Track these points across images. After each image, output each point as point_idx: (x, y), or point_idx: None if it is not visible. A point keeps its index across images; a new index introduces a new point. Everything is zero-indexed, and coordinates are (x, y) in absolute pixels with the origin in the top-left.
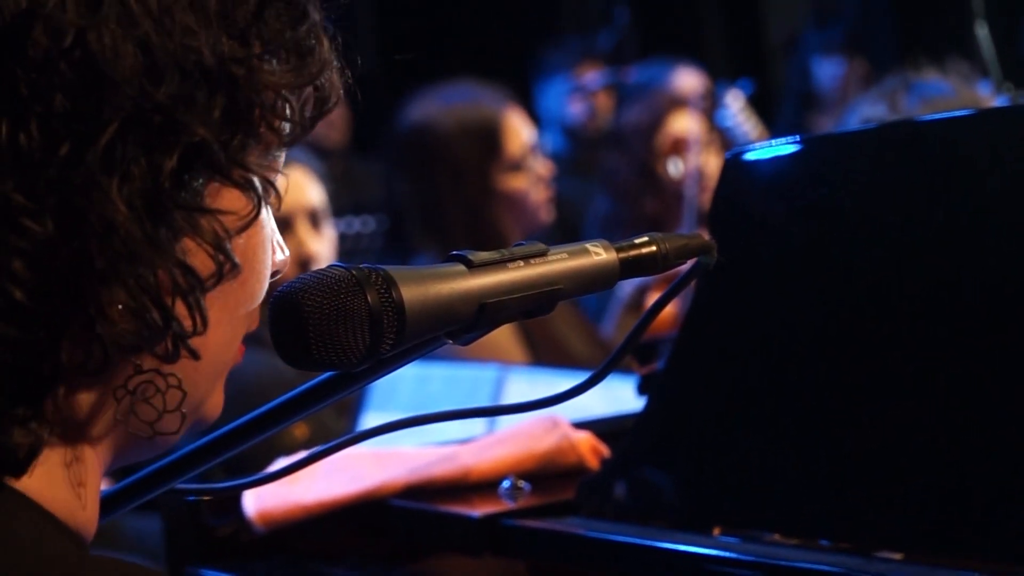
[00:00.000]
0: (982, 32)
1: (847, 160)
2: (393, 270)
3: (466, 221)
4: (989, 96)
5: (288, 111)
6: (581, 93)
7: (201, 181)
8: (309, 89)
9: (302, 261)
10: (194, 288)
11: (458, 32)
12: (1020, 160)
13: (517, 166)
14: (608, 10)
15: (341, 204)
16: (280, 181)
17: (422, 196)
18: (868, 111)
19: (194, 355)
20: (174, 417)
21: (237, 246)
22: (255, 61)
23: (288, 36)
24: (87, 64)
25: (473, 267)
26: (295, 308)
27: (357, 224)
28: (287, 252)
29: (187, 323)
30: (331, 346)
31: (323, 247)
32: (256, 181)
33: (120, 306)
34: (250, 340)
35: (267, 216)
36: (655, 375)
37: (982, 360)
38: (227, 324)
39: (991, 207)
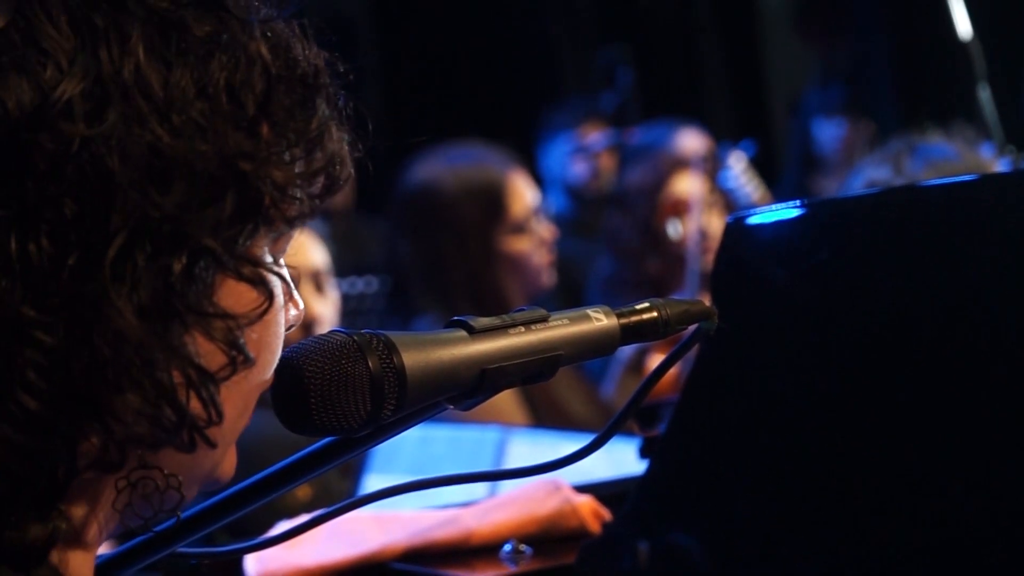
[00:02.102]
0: (984, 94)
1: (850, 224)
2: (394, 335)
3: (468, 282)
4: (992, 159)
5: (298, 194)
6: (584, 153)
7: (212, 277)
8: (322, 172)
9: (306, 323)
10: (207, 383)
11: (462, 92)
12: (1022, 226)
13: (520, 228)
14: (611, 71)
15: (345, 264)
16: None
17: (425, 257)
18: (873, 174)
19: (211, 444)
20: (167, 517)
21: (250, 338)
22: (263, 153)
23: (298, 120)
24: (94, 169)
25: (474, 333)
26: (297, 374)
27: (360, 284)
28: (302, 306)
29: (201, 416)
30: (332, 411)
31: (327, 309)
32: (267, 274)
33: (135, 409)
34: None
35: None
36: (657, 439)
37: (987, 422)
38: (239, 400)
39: (994, 272)
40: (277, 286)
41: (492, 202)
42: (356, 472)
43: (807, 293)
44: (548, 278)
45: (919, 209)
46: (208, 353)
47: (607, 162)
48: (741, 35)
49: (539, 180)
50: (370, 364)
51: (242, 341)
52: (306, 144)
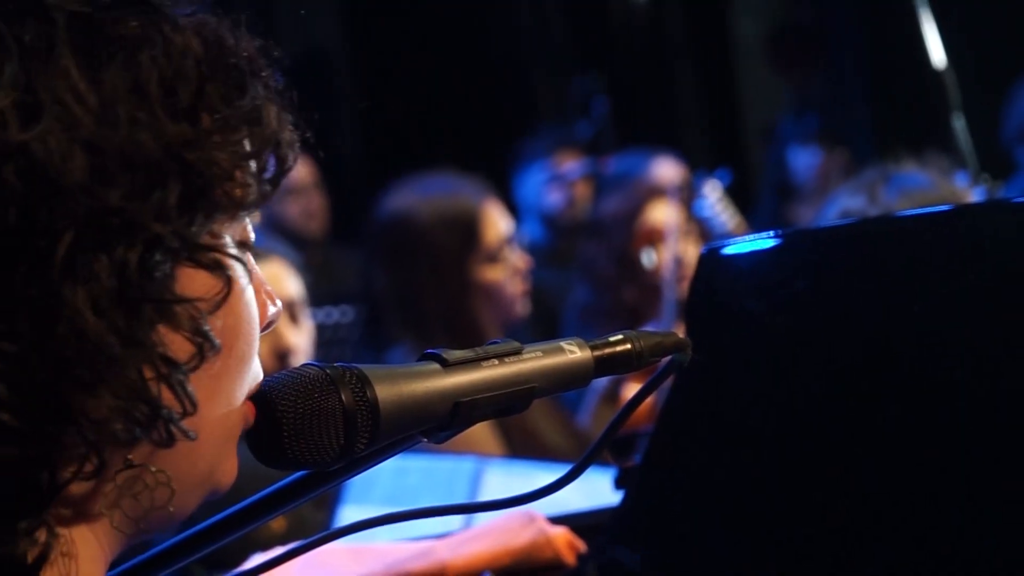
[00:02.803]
0: (959, 123)
1: (825, 255)
2: (367, 369)
3: (443, 312)
4: (967, 188)
5: (247, 178)
6: (559, 182)
7: (169, 266)
8: (267, 153)
9: (280, 353)
10: (176, 374)
11: (437, 121)
12: (997, 255)
13: (494, 257)
14: (587, 100)
15: (320, 294)
16: (254, 268)
17: (399, 286)
18: (847, 203)
19: (188, 436)
20: (161, 515)
21: (217, 326)
22: (204, 140)
23: (234, 107)
24: (34, 172)
25: (448, 366)
26: (269, 408)
27: (336, 314)
28: (279, 304)
29: (176, 408)
30: (306, 445)
31: (301, 339)
32: (224, 259)
33: (107, 408)
34: None
35: (247, 275)
36: (632, 469)
37: (963, 451)
38: (221, 392)
39: (968, 301)
40: (237, 269)
41: (466, 231)
42: (331, 503)
43: (783, 323)
44: (522, 307)
45: (894, 239)
46: (175, 343)
47: (582, 191)
48: (716, 64)
49: (514, 209)
50: (343, 397)
51: (207, 328)
52: (247, 128)
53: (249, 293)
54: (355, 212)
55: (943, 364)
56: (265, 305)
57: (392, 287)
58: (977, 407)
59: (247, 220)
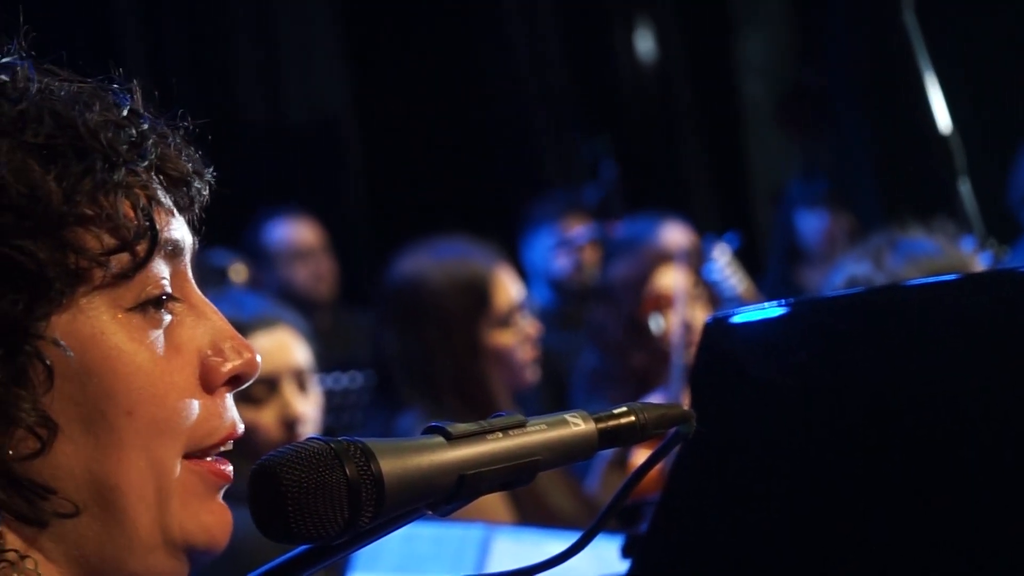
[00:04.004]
0: (965, 188)
1: (834, 324)
2: (372, 442)
3: (454, 376)
4: (973, 253)
5: (70, 261)
6: (567, 247)
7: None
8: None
9: (289, 422)
10: (9, 471)
11: (445, 185)
12: (1003, 324)
13: (505, 322)
14: (594, 164)
15: (330, 358)
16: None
17: (411, 350)
18: (853, 269)
19: (63, 514)
20: None
21: (82, 400)
22: None
23: (36, 199)
24: None
25: (452, 439)
26: (274, 482)
27: (344, 380)
28: (245, 355)
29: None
30: (310, 520)
31: (309, 408)
32: (45, 349)
33: None
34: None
35: (159, 338)
36: (639, 537)
37: (970, 519)
38: (137, 454)
39: (974, 369)
40: (61, 357)
41: (477, 295)
42: (340, 571)
43: (790, 387)
44: (532, 374)
45: (901, 309)
46: (12, 435)
47: (590, 255)
48: (724, 127)
49: (522, 273)
50: (348, 472)
51: (46, 414)
52: (30, 214)
53: (140, 357)
54: (363, 276)
55: (949, 430)
56: (191, 366)
57: (403, 351)
58: (987, 473)
59: (154, 276)
